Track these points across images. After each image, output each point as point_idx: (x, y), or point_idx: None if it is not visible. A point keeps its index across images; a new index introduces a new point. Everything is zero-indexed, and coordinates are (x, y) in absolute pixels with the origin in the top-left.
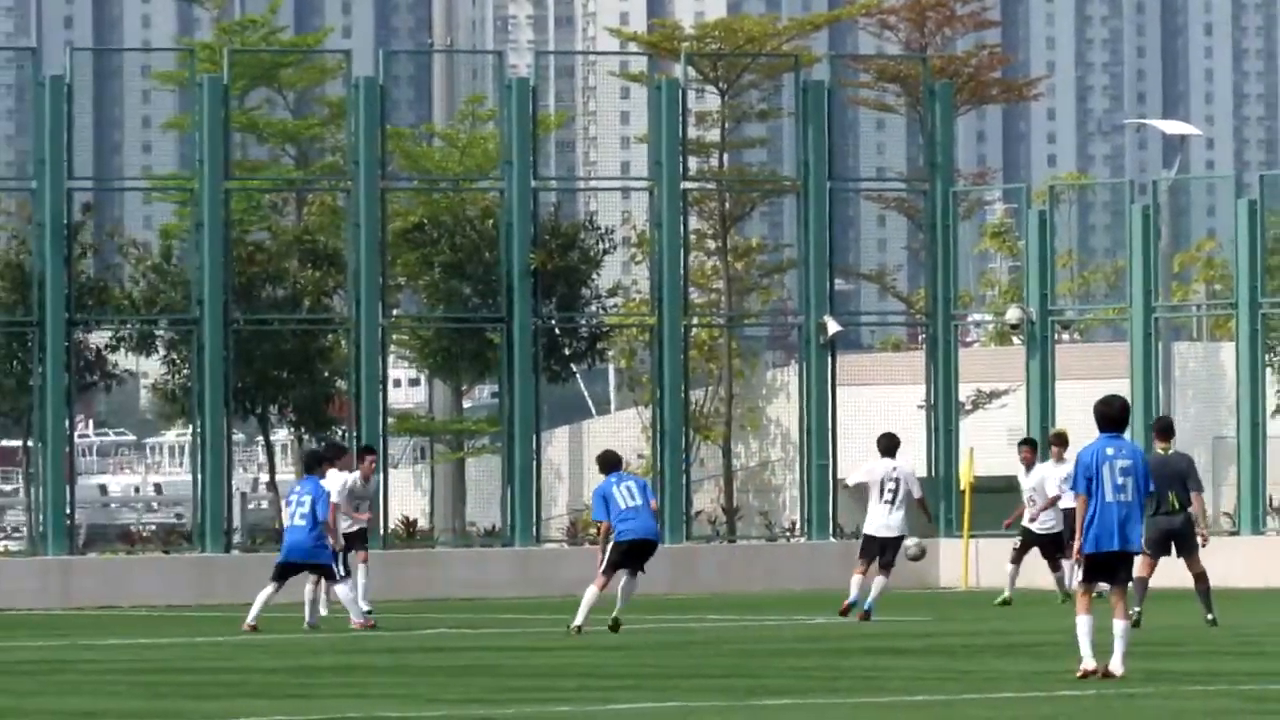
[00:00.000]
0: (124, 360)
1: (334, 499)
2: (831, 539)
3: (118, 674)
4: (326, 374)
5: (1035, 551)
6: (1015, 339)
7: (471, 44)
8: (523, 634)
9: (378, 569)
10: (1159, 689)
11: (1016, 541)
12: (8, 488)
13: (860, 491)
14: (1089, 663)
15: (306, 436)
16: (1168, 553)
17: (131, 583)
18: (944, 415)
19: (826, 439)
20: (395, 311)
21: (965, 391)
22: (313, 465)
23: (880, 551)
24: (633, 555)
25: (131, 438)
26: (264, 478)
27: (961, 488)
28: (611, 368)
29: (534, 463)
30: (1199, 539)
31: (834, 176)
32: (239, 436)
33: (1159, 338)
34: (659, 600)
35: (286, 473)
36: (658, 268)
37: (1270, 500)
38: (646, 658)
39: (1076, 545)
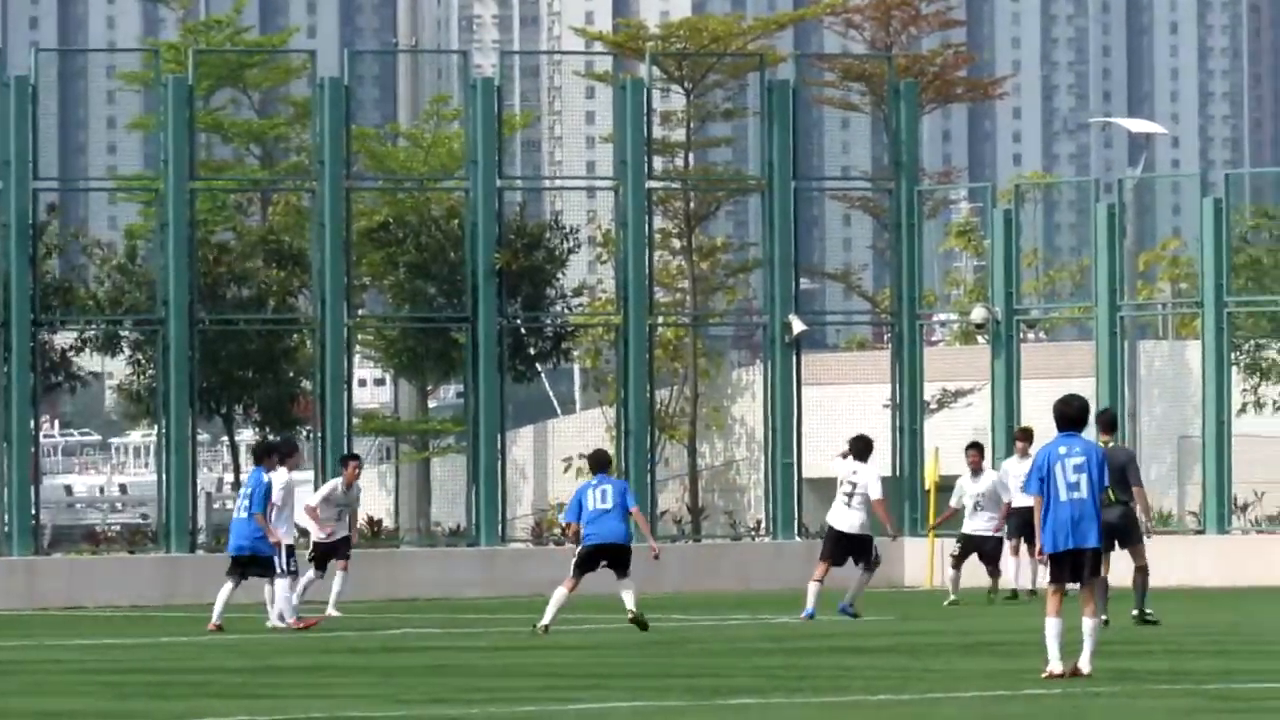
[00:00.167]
0: (89, 361)
1: (311, 503)
2: (796, 538)
3: (83, 674)
4: (291, 374)
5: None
6: (980, 338)
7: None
8: (488, 634)
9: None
10: (1125, 688)
11: (955, 548)
12: None
13: (823, 491)
14: (1055, 665)
15: (272, 436)
16: (1111, 547)
17: (97, 583)
18: (909, 414)
19: (791, 438)
20: (360, 311)
21: (930, 391)
22: (260, 456)
23: (846, 551)
24: (600, 559)
25: (97, 438)
26: (229, 478)
27: (926, 487)
28: (576, 367)
29: (499, 462)
30: (1143, 531)
31: (799, 176)
32: (204, 437)
33: (1124, 336)
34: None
35: None
36: (623, 267)
37: (1235, 499)
38: (611, 657)
39: (1038, 546)
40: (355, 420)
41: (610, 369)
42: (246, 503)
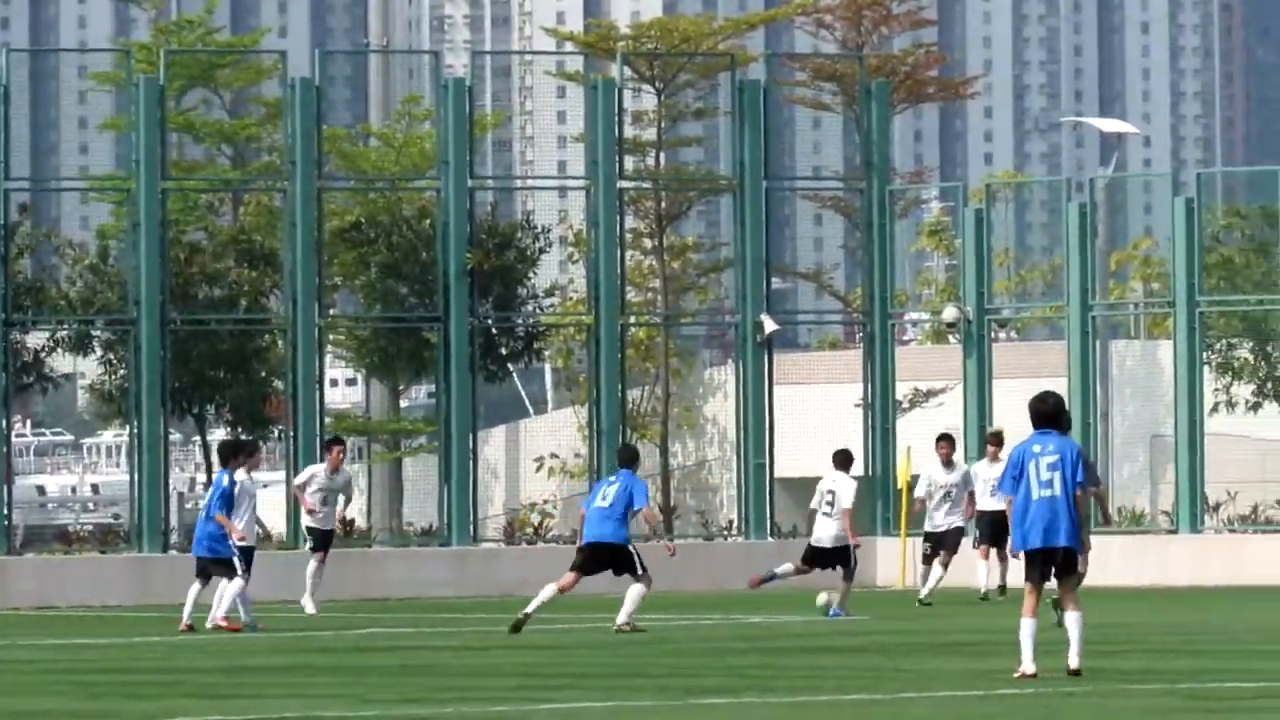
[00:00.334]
0: (61, 361)
1: (296, 482)
2: (769, 538)
3: (55, 674)
4: (263, 374)
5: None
6: (952, 337)
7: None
8: (460, 634)
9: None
10: (1097, 688)
11: (926, 548)
12: None
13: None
14: (1028, 666)
15: (244, 436)
16: None
17: (69, 583)
18: (881, 414)
19: (763, 438)
20: (332, 311)
21: (902, 390)
22: (225, 457)
23: (827, 560)
24: (593, 558)
25: (69, 438)
26: (201, 478)
27: (899, 486)
28: (548, 367)
29: (471, 462)
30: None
31: (770, 175)
32: (176, 436)
33: (1096, 336)
34: (596, 600)
35: None
36: (594, 267)
37: (1207, 499)
38: (584, 657)
39: (1009, 544)
40: (327, 420)
41: (582, 369)
42: (205, 502)
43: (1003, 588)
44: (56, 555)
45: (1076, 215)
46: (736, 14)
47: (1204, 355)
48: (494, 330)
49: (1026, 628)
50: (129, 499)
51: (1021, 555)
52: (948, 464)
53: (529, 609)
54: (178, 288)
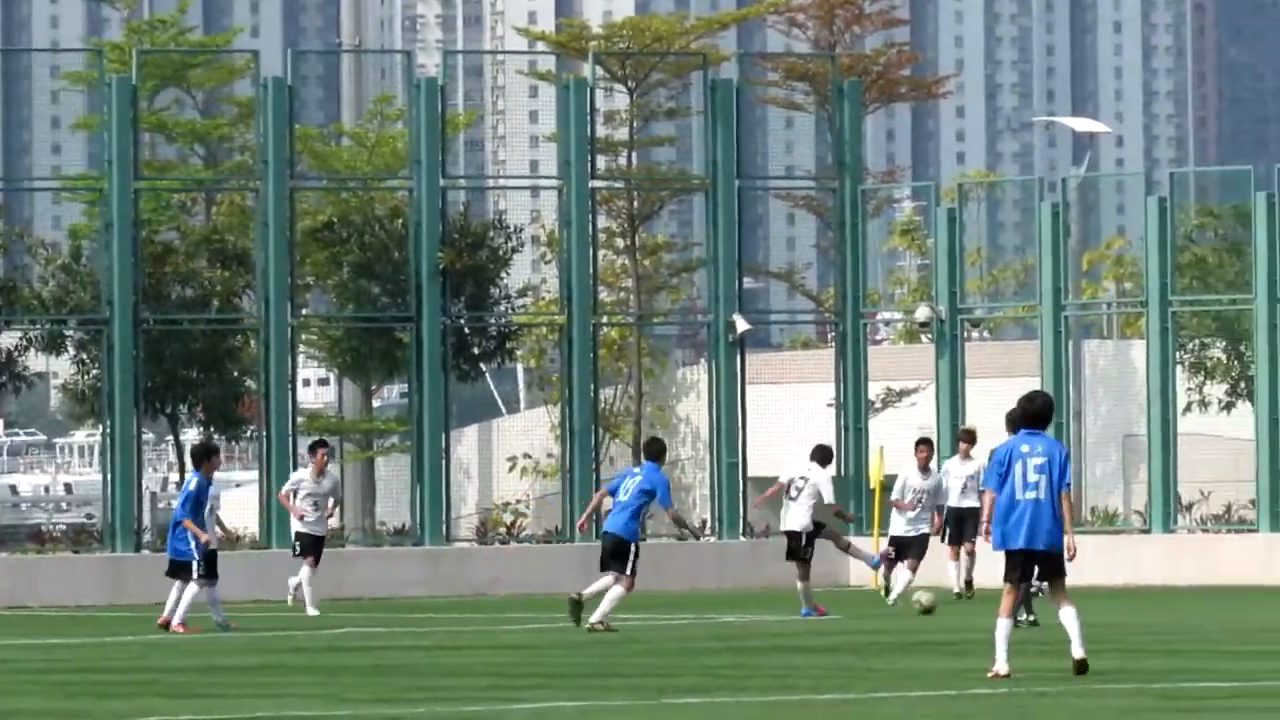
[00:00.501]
0: (34, 360)
1: (281, 491)
2: (742, 538)
3: (28, 674)
4: (236, 373)
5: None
6: (925, 337)
7: (380, 43)
8: (432, 633)
9: (289, 569)
10: (1072, 687)
11: (890, 551)
12: None
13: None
14: (1002, 666)
15: (216, 436)
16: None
17: (41, 582)
18: (854, 413)
19: (736, 437)
20: (304, 311)
21: (875, 390)
22: (198, 460)
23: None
24: (607, 550)
25: (42, 438)
26: (174, 477)
27: (871, 486)
28: (521, 367)
29: (443, 462)
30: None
31: (742, 175)
32: (149, 436)
33: (1069, 335)
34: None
35: None
36: (567, 266)
37: (1180, 498)
38: (557, 657)
39: (983, 529)
40: (299, 420)
41: (554, 368)
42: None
43: (969, 583)
44: (29, 555)
45: (1049, 215)
46: (709, 13)
47: (1177, 355)
48: (466, 330)
49: (1002, 628)
50: (102, 499)
51: (1002, 554)
52: (924, 469)
53: (586, 590)
54: (150, 287)
